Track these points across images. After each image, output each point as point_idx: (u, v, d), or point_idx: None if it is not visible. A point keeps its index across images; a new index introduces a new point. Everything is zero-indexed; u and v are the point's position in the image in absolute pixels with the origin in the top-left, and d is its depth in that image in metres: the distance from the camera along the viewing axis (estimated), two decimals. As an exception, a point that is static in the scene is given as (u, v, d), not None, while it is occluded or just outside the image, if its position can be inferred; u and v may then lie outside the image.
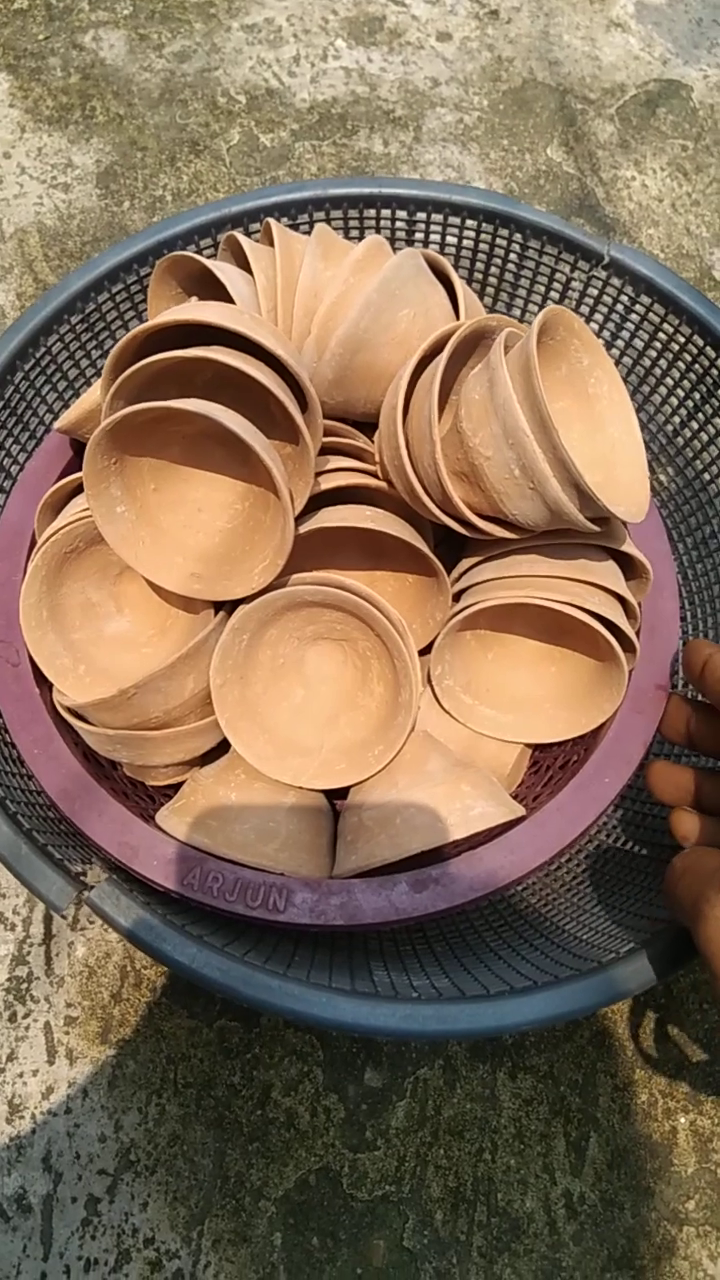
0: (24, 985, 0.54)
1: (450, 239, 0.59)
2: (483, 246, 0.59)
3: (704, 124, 0.89)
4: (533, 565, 0.45)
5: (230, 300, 0.45)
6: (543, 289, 0.59)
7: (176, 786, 0.49)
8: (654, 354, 0.58)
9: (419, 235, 0.59)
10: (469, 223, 0.58)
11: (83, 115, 0.86)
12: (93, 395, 0.48)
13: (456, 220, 0.58)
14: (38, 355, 0.54)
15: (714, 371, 0.54)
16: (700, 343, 0.55)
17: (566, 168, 0.86)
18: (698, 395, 0.56)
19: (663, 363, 0.58)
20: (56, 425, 0.50)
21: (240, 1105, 0.51)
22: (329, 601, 0.43)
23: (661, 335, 0.57)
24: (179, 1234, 0.49)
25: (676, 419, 0.58)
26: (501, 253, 0.59)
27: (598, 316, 0.59)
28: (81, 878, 0.40)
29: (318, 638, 0.47)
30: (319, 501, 0.45)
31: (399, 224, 0.59)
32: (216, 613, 0.45)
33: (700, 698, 0.44)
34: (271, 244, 0.49)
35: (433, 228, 0.59)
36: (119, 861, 0.42)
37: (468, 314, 0.48)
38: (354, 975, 0.40)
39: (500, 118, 0.88)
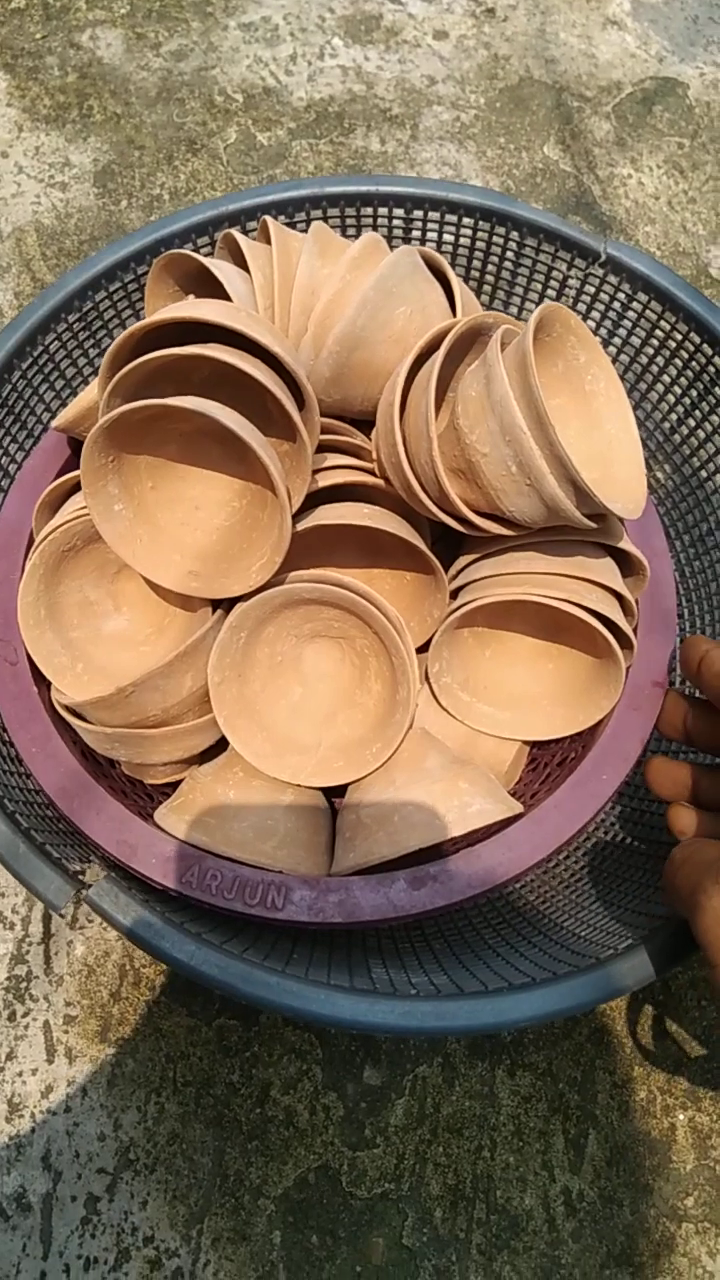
0: (23, 984, 0.54)
1: (447, 237, 0.59)
2: (480, 244, 0.59)
3: (700, 121, 0.89)
4: (530, 562, 0.45)
5: (227, 298, 0.45)
6: (540, 287, 0.59)
7: (175, 785, 0.49)
8: (651, 351, 0.58)
9: (416, 233, 0.59)
10: (466, 221, 0.58)
11: (80, 114, 0.86)
12: (90, 393, 0.48)
13: (453, 218, 0.58)
14: (35, 354, 0.54)
15: (710, 369, 0.55)
16: (697, 340, 0.55)
17: (563, 166, 0.86)
18: (694, 392, 0.56)
19: (659, 360, 0.58)
20: (54, 424, 0.49)
21: (239, 1103, 0.51)
22: (326, 599, 0.43)
23: (658, 332, 0.57)
24: (178, 1232, 0.49)
25: (674, 416, 0.58)
26: (498, 250, 0.59)
27: (595, 314, 0.59)
28: (80, 876, 0.40)
29: (315, 635, 0.47)
30: (316, 499, 0.45)
31: (396, 222, 0.59)
32: (214, 611, 0.45)
33: (697, 694, 0.44)
34: (268, 242, 0.49)
35: (430, 226, 0.59)
36: (117, 860, 0.42)
37: (464, 311, 0.48)
38: (352, 972, 0.40)
39: (497, 116, 0.88)
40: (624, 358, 0.59)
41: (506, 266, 0.59)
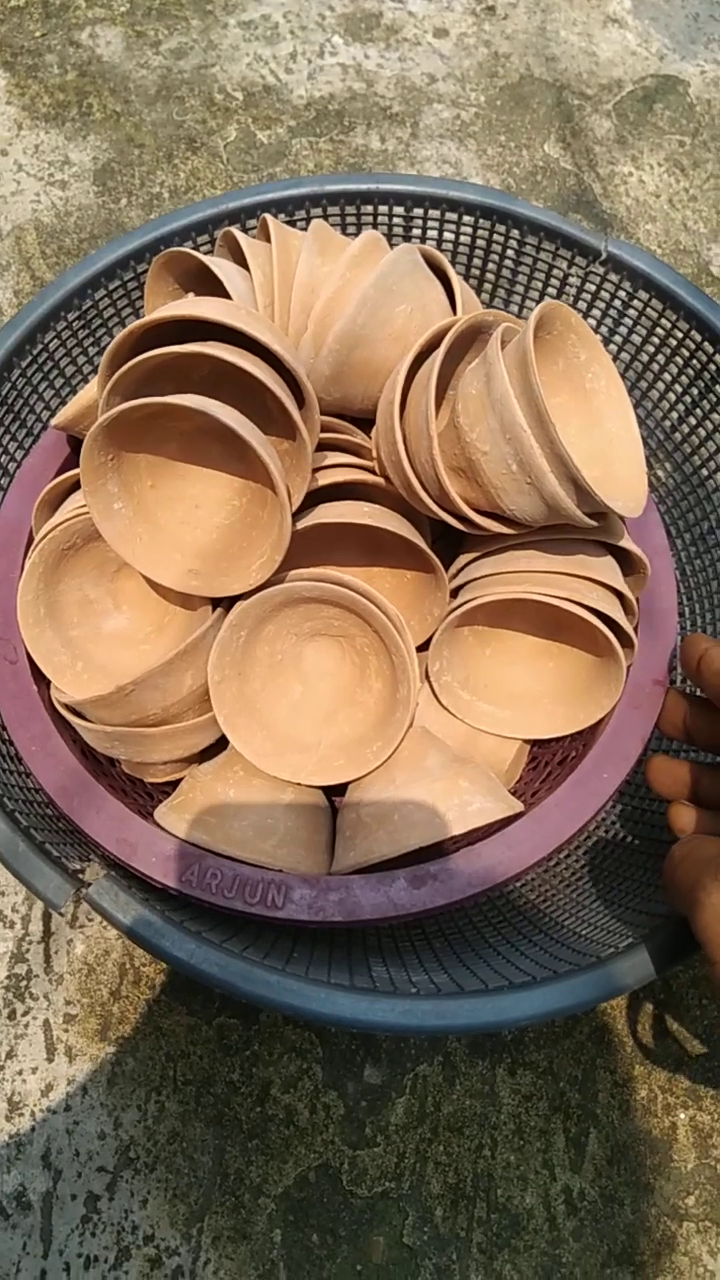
0: (23, 983, 0.54)
1: (448, 235, 0.59)
2: (480, 242, 0.59)
3: (701, 119, 0.89)
4: (530, 560, 0.45)
5: (227, 296, 0.45)
6: (540, 285, 0.59)
7: (175, 783, 0.49)
8: (651, 349, 0.58)
9: (416, 231, 0.59)
10: (466, 219, 0.58)
11: (80, 112, 0.86)
12: (89, 392, 0.48)
13: (454, 216, 0.58)
14: (35, 352, 0.54)
15: (711, 367, 0.54)
16: (698, 338, 0.55)
17: (564, 164, 0.85)
18: (695, 390, 0.56)
19: (660, 358, 0.58)
20: (53, 422, 0.49)
21: (240, 1102, 0.51)
22: (327, 597, 0.43)
23: (659, 331, 0.57)
24: (178, 1231, 0.49)
25: (674, 414, 0.58)
26: (499, 249, 0.59)
27: (595, 312, 0.59)
28: (79, 875, 0.40)
29: (315, 634, 0.47)
30: (316, 497, 0.44)
31: (396, 220, 0.59)
32: (214, 609, 0.45)
33: (698, 692, 0.44)
34: (268, 240, 0.49)
35: (430, 224, 0.58)
36: (117, 858, 0.42)
37: (465, 309, 0.48)
38: (353, 971, 0.40)
39: (497, 114, 0.88)
40: (624, 356, 0.59)
41: (507, 265, 0.59)
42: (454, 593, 0.48)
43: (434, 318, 0.47)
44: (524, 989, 0.37)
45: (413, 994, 0.37)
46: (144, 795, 0.49)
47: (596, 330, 0.59)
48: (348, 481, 0.46)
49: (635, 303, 0.57)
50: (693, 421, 0.57)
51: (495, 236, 0.58)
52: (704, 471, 0.57)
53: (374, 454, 0.48)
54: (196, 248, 0.56)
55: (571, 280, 0.58)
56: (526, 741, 0.51)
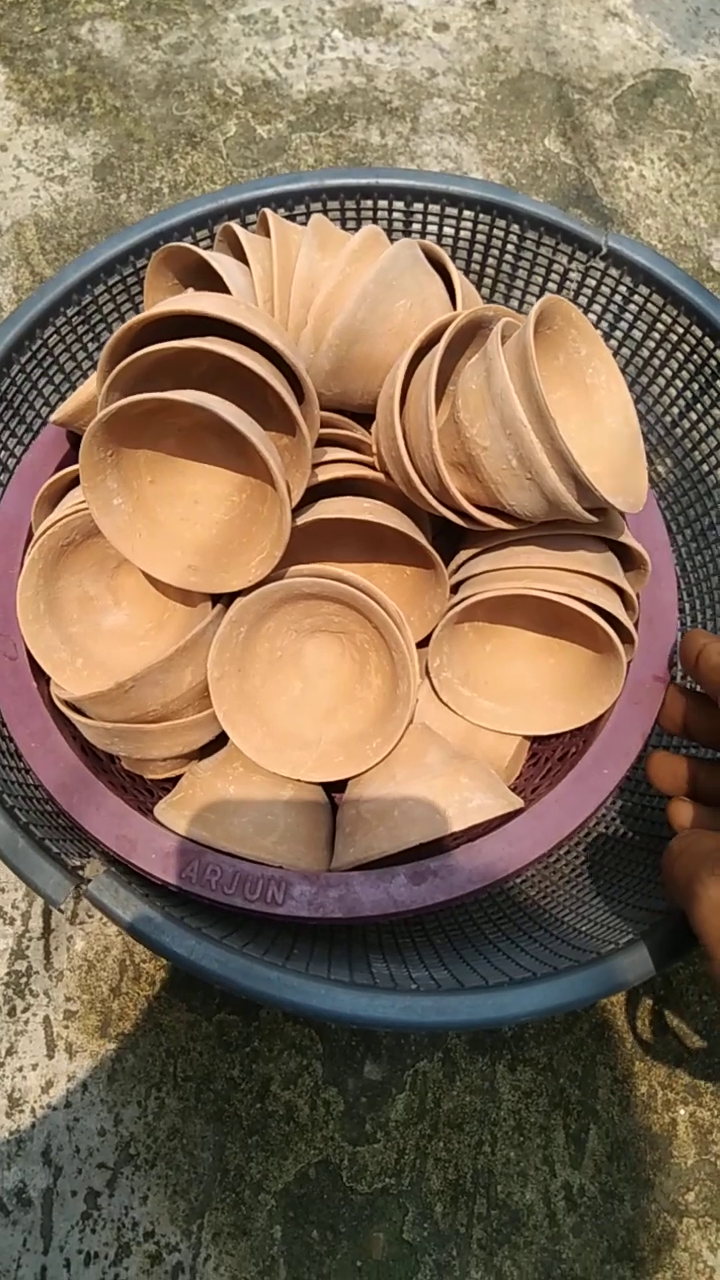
0: (23, 979, 0.54)
1: (448, 230, 0.59)
2: (480, 237, 0.59)
3: (702, 114, 0.89)
4: (530, 556, 0.45)
5: (227, 291, 0.44)
6: (540, 279, 0.59)
7: (175, 780, 0.49)
8: (652, 344, 0.58)
9: (416, 226, 0.59)
10: (466, 213, 0.58)
11: (79, 107, 0.85)
12: (89, 388, 0.48)
13: (454, 211, 0.58)
14: (34, 348, 0.54)
15: (712, 362, 0.54)
16: (699, 333, 0.54)
17: (564, 158, 0.85)
18: (696, 386, 0.56)
19: (661, 353, 0.57)
20: (53, 418, 0.49)
21: (240, 1099, 0.51)
22: (326, 594, 0.43)
23: (660, 326, 0.57)
24: (179, 1227, 0.49)
25: (675, 410, 0.58)
26: (499, 243, 0.58)
27: (596, 307, 0.59)
28: (79, 871, 0.40)
29: (315, 630, 0.47)
30: (316, 493, 0.44)
31: (396, 215, 0.58)
32: (214, 605, 0.45)
33: (697, 688, 0.44)
34: (268, 235, 0.48)
35: (430, 218, 0.58)
36: (117, 855, 0.42)
37: (465, 304, 0.48)
38: (353, 967, 0.40)
39: (498, 108, 0.88)
40: (625, 351, 0.59)
41: (507, 260, 0.59)
42: (454, 589, 0.48)
43: (434, 313, 0.46)
44: (524, 985, 0.37)
45: (413, 990, 0.37)
46: (144, 792, 0.49)
47: (597, 325, 0.59)
48: (348, 477, 0.46)
49: (636, 298, 0.57)
50: (693, 417, 0.57)
51: (495, 231, 0.58)
52: (704, 467, 0.57)
53: (374, 449, 0.47)
54: (196, 243, 0.56)
55: (572, 275, 0.58)
56: (526, 738, 0.51)
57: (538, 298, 0.59)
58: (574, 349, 0.44)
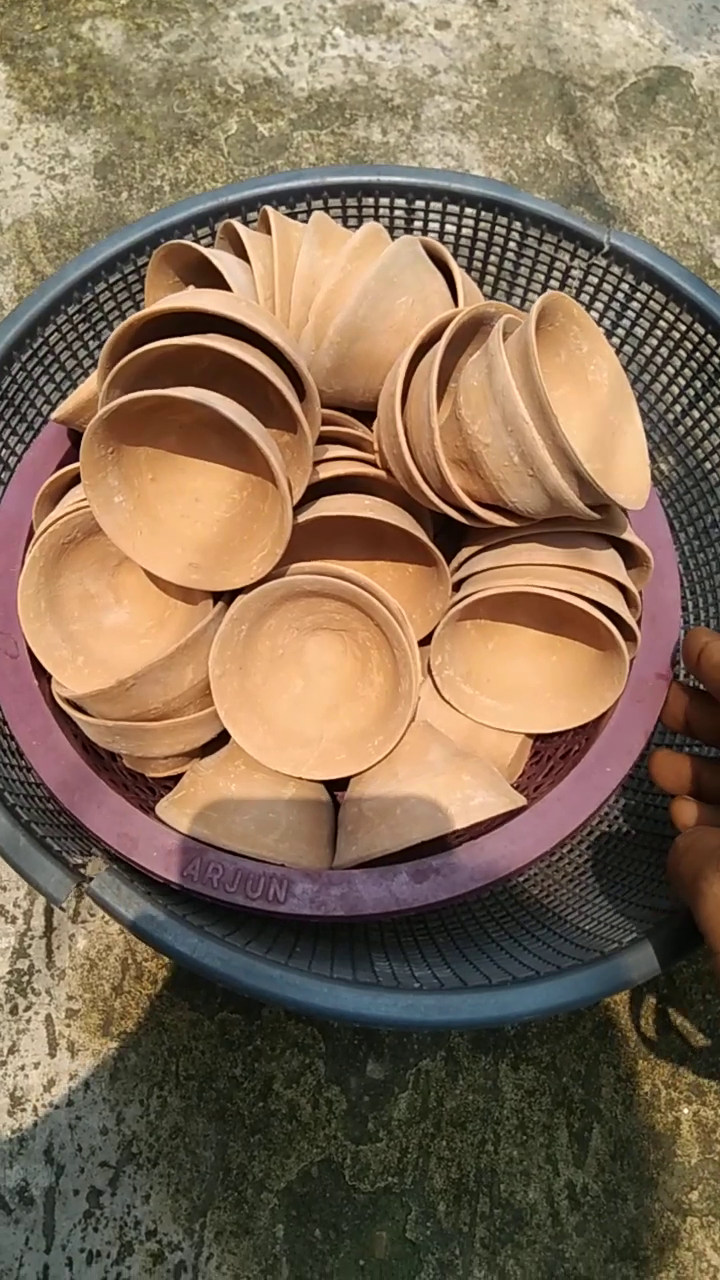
0: (25, 978, 0.54)
1: (449, 227, 0.59)
2: (482, 235, 0.58)
3: (704, 111, 0.89)
4: (532, 553, 0.45)
5: (228, 288, 0.44)
6: (542, 277, 0.59)
7: (176, 778, 0.49)
8: (654, 342, 0.57)
9: (418, 224, 0.59)
10: (468, 211, 0.57)
11: (80, 105, 0.85)
12: (90, 385, 0.48)
13: (455, 208, 0.57)
14: (35, 346, 0.53)
15: (715, 360, 0.54)
16: (701, 331, 0.54)
17: (566, 156, 0.85)
18: (699, 384, 0.56)
19: (663, 351, 0.57)
20: (53, 416, 0.49)
21: (242, 1097, 0.51)
22: (328, 591, 0.43)
23: (662, 323, 0.56)
24: (181, 1226, 0.49)
25: (678, 407, 0.58)
26: (501, 241, 0.58)
27: (598, 305, 0.58)
28: (81, 869, 0.40)
29: (317, 628, 0.47)
30: (317, 490, 0.44)
31: (398, 212, 0.58)
32: (215, 603, 0.45)
33: (700, 686, 0.44)
34: (269, 232, 0.48)
35: (431, 216, 0.58)
36: (118, 853, 0.41)
37: (466, 301, 0.48)
38: (355, 966, 0.40)
39: (499, 106, 0.88)
40: (627, 349, 0.59)
41: (509, 257, 0.59)
42: (456, 586, 0.47)
43: (435, 310, 0.46)
44: (527, 984, 0.37)
45: (415, 989, 0.37)
46: (145, 790, 0.49)
47: (599, 323, 0.58)
48: (349, 474, 0.46)
49: (638, 295, 0.56)
50: (696, 415, 0.57)
51: (497, 229, 0.58)
52: (707, 465, 0.56)
53: (375, 447, 0.47)
54: (197, 240, 0.56)
55: (574, 273, 0.58)
56: (529, 736, 0.51)
57: (539, 295, 0.59)
58: (576, 345, 0.44)
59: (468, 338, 0.44)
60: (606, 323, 0.59)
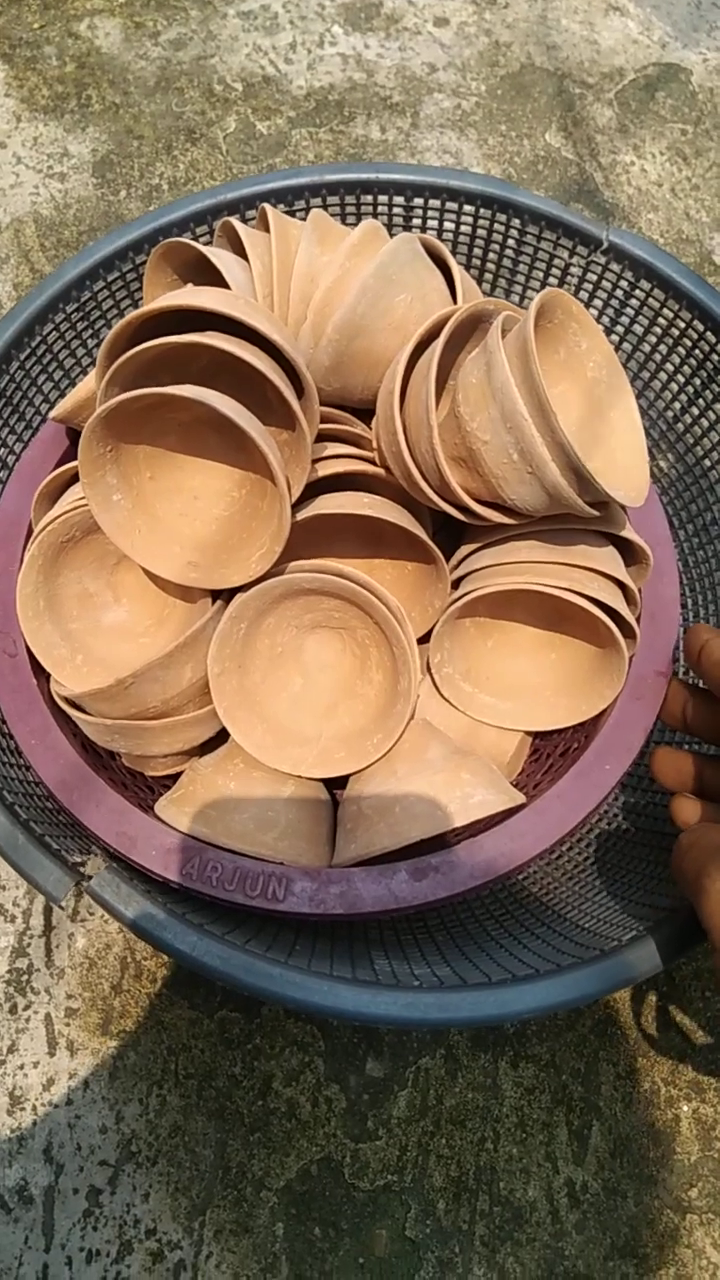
0: (24, 977, 0.54)
1: (448, 225, 0.58)
2: (480, 232, 0.58)
3: (703, 108, 0.88)
4: (531, 551, 0.45)
5: (226, 286, 0.44)
6: (541, 274, 0.59)
7: (175, 777, 0.49)
8: (654, 339, 0.57)
9: (416, 221, 0.59)
10: (467, 208, 0.57)
11: (79, 104, 0.85)
12: (88, 384, 0.47)
13: (454, 206, 0.57)
14: (33, 345, 0.53)
15: (714, 357, 0.54)
16: (700, 328, 0.54)
17: (565, 153, 0.85)
18: (698, 381, 0.56)
19: (663, 348, 0.57)
20: (52, 414, 0.49)
21: (241, 1096, 0.51)
22: (327, 589, 0.43)
23: (661, 320, 0.56)
24: (181, 1225, 0.49)
25: (677, 405, 0.58)
26: (500, 238, 0.58)
27: (597, 302, 0.58)
28: (80, 868, 0.40)
29: (316, 626, 0.47)
30: (316, 488, 0.44)
31: (396, 210, 0.58)
32: (214, 601, 0.45)
33: (700, 684, 0.44)
34: (268, 230, 0.48)
35: (430, 213, 0.58)
36: (118, 852, 0.41)
37: (465, 298, 0.48)
38: (355, 964, 0.40)
39: (498, 103, 0.88)
40: (626, 346, 0.59)
41: (508, 254, 0.59)
42: (455, 584, 0.47)
43: (434, 307, 0.46)
44: (527, 982, 0.37)
45: (415, 987, 0.37)
46: (144, 789, 0.49)
47: (598, 320, 0.58)
48: (348, 472, 0.46)
49: (637, 292, 0.56)
50: (695, 412, 0.57)
51: (496, 226, 0.58)
52: (706, 462, 0.56)
53: (374, 444, 0.47)
54: (195, 239, 0.56)
55: (573, 270, 0.57)
56: (528, 733, 0.51)
57: (538, 292, 0.59)
58: (575, 342, 0.44)
59: (466, 335, 0.44)
60: (605, 320, 0.59)
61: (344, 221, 0.58)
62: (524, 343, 0.38)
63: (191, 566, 0.42)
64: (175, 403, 0.38)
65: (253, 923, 0.43)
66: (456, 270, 0.48)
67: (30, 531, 0.48)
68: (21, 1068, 0.52)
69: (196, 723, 0.45)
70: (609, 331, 0.59)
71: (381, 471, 0.47)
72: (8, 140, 0.82)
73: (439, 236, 0.59)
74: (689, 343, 0.55)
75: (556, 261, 0.58)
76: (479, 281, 0.61)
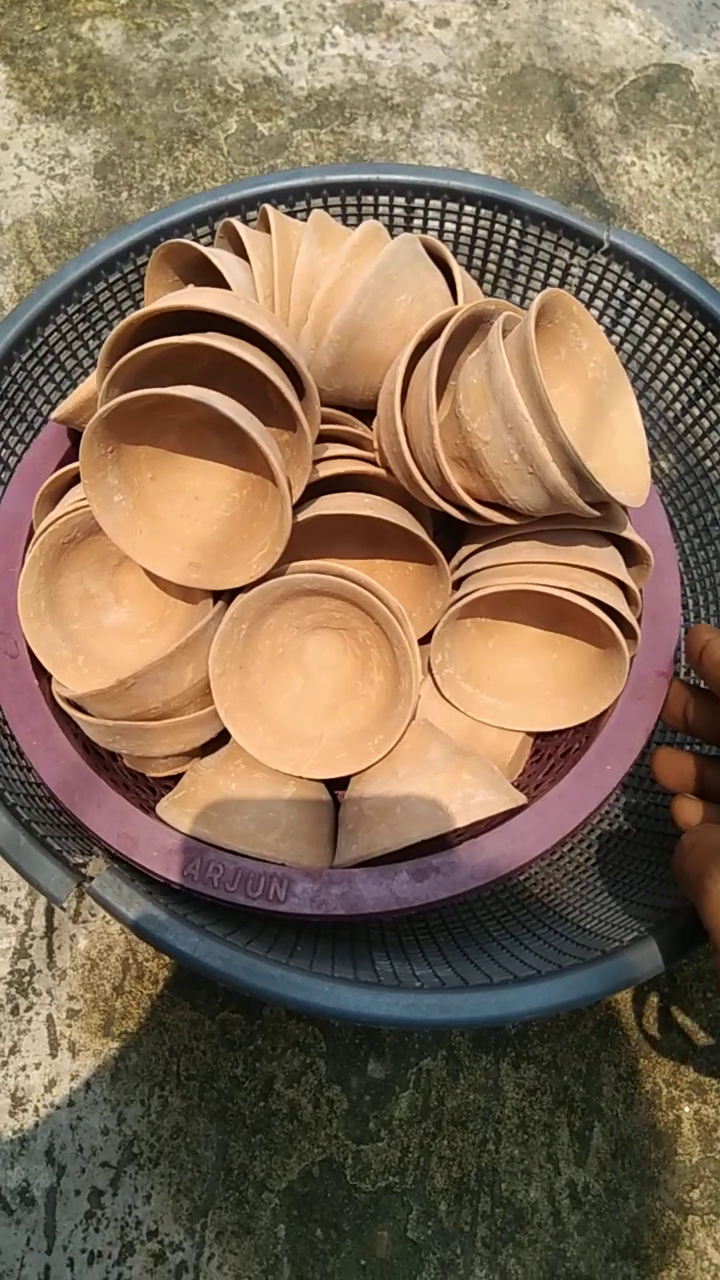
0: (26, 978, 0.54)
1: (449, 225, 0.58)
2: (481, 232, 0.58)
3: (704, 108, 0.88)
4: (532, 551, 0.45)
5: (227, 287, 0.44)
6: (542, 275, 0.59)
7: (177, 778, 0.49)
8: (654, 340, 0.57)
9: (417, 222, 0.59)
10: (467, 209, 0.57)
11: (80, 106, 0.85)
12: (89, 385, 0.48)
13: (455, 206, 0.57)
14: (35, 346, 0.53)
15: (715, 357, 0.54)
16: (701, 328, 0.54)
17: (566, 154, 0.85)
18: (699, 381, 0.56)
19: (663, 349, 0.57)
20: (53, 415, 0.49)
21: (243, 1097, 0.51)
22: (328, 590, 0.43)
23: (662, 321, 0.56)
24: (182, 1226, 0.49)
25: (678, 405, 0.58)
26: (500, 239, 0.58)
27: (597, 303, 0.58)
28: (82, 869, 0.40)
29: (317, 626, 0.47)
30: (317, 489, 0.44)
31: (397, 211, 0.58)
32: (215, 602, 0.45)
33: (701, 684, 0.44)
34: (269, 231, 0.48)
35: (431, 214, 0.58)
36: (119, 853, 0.41)
37: (466, 299, 0.48)
38: (356, 965, 0.40)
39: (499, 104, 0.88)
40: (627, 346, 0.59)
41: (508, 255, 0.59)
42: (456, 584, 0.47)
43: (435, 307, 0.46)
44: (528, 983, 0.37)
45: (416, 988, 0.37)
46: (146, 790, 0.49)
47: (599, 321, 0.58)
48: (349, 473, 0.46)
49: (638, 293, 0.56)
50: (696, 413, 0.57)
51: (497, 227, 0.58)
52: (708, 463, 0.56)
53: (375, 445, 0.47)
54: (197, 240, 0.56)
55: (574, 270, 0.57)
56: (529, 734, 0.51)
57: (539, 293, 0.59)
58: (575, 343, 0.44)
59: (467, 335, 0.44)
60: (606, 320, 0.59)
61: (345, 222, 0.58)
62: (525, 343, 0.38)
63: (193, 567, 0.42)
64: (176, 403, 0.38)
65: (254, 924, 0.43)
66: (457, 271, 0.48)
67: (32, 532, 0.48)
68: (23, 1069, 0.52)
69: (198, 724, 0.45)
70: (610, 332, 0.59)
71: (382, 472, 0.47)
72: (9, 142, 0.83)
73: (440, 237, 0.59)
74: (690, 343, 0.55)
75: (557, 262, 0.58)
76: (480, 282, 0.61)
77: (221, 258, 0.45)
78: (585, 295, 0.58)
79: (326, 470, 0.45)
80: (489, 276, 0.61)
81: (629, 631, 0.44)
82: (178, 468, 0.43)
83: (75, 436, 0.52)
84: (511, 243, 0.58)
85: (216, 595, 0.45)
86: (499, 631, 0.50)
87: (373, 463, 0.47)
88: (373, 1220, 0.49)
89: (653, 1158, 0.51)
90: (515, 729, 0.49)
